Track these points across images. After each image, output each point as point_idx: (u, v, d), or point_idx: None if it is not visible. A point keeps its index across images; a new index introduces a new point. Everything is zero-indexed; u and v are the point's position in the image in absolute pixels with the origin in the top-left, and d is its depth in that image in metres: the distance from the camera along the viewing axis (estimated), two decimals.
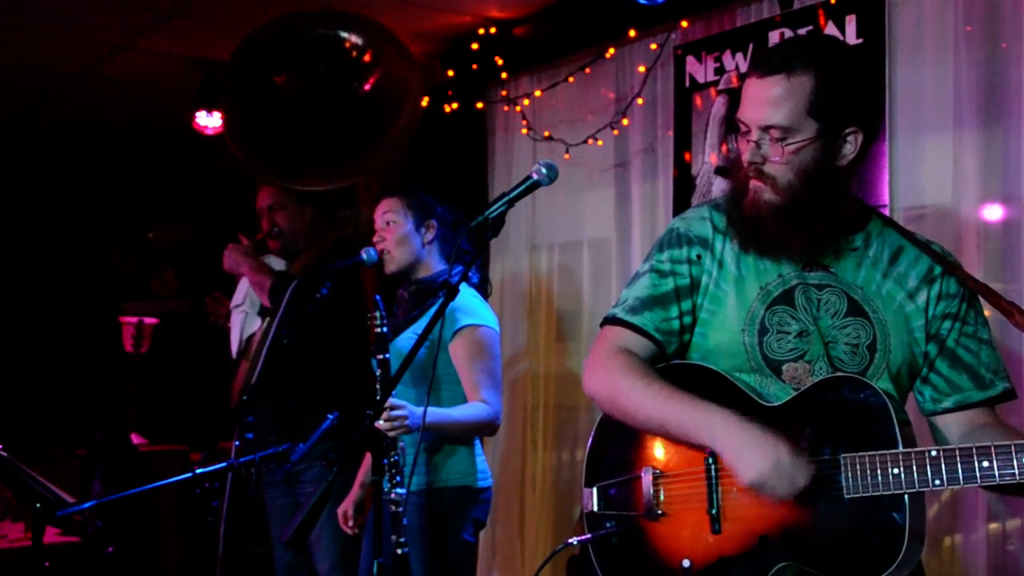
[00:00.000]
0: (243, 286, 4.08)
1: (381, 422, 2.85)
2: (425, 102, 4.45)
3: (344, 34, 4.09)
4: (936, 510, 3.24)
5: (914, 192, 3.37)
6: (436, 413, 3.02)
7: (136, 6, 4.62)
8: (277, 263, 4.08)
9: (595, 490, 2.08)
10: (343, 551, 3.67)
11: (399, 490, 2.88)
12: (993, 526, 3.13)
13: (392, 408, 2.87)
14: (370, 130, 4.08)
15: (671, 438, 1.98)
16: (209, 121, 5.47)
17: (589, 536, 2.06)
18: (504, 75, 4.83)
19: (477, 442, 3.25)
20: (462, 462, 3.17)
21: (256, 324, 4.02)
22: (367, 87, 4.10)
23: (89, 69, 5.54)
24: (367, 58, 4.10)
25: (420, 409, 2.92)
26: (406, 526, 2.89)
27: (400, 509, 2.87)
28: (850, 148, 1.93)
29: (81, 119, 6.60)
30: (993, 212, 3.17)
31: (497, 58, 4.80)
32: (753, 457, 1.82)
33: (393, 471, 2.89)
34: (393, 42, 4.10)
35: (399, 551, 2.84)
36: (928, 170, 3.34)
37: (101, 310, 7.01)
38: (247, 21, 4.76)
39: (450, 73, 4.98)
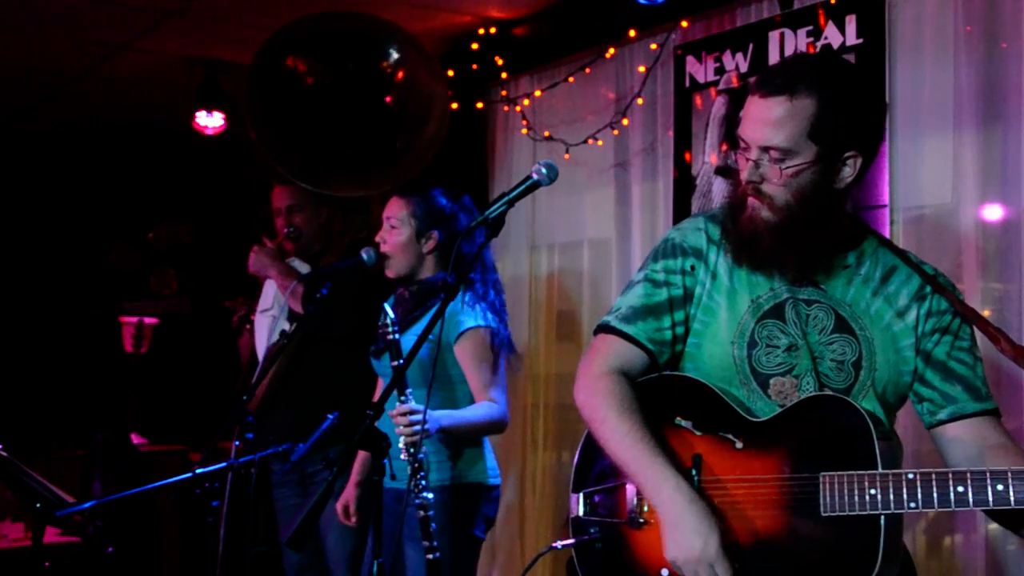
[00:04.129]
0: (269, 290, 4.00)
1: (402, 428, 2.89)
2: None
3: (372, 38, 4.01)
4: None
5: (914, 192, 3.37)
6: (451, 416, 3.06)
7: (136, 6, 4.62)
8: (301, 267, 4.00)
9: (581, 496, 2.10)
10: (356, 553, 3.67)
11: (426, 494, 2.91)
12: (993, 526, 3.13)
13: (411, 413, 2.90)
14: (397, 139, 4.00)
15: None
16: (209, 121, 5.47)
17: (573, 541, 2.09)
18: (504, 75, 4.83)
19: (486, 440, 3.28)
20: (476, 459, 3.21)
21: (285, 328, 3.93)
22: (390, 98, 4.05)
23: (89, 69, 5.55)
24: (393, 71, 4.04)
25: (436, 413, 2.99)
26: (403, 525, 2.91)
27: (431, 513, 2.89)
28: (849, 172, 1.94)
29: (81, 119, 6.61)
30: (993, 212, 3.17)
31: (497, 58, 4.80)
32: (683, 539, 1.85)
33: (419, 476, 2.91)
34: (419, 51, 4.05)
35: (430, 556, 2.87)
36: (928, 170, 3.34)
37: (101, 310, 7.01)
38: (247, 21, 4.77)
39: (450, 73, 4.97)
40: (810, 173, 1.91)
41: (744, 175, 1.96)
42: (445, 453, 3.15)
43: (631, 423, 1.97)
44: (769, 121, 1.90)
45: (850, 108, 1.91)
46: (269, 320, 3.97)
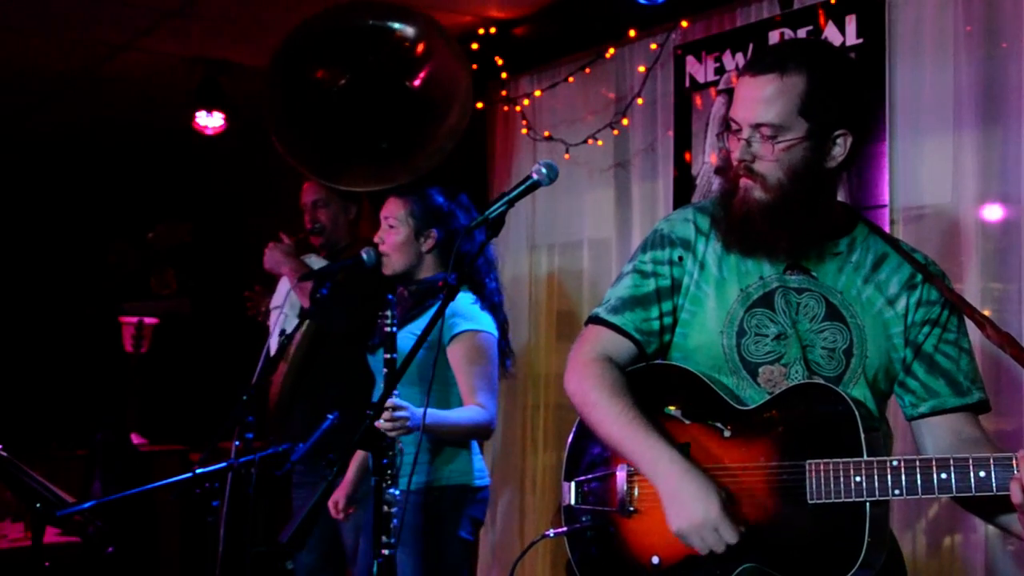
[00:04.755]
0: (283, 287, 4.00)
1: (383, 422, 2.84)
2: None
3: (395, 26, 3.98)
4: (936, 510, 3.24)
5: (913, 192, 3.37)
6: (435, 415, 3.03)
7: (136, 6, 4.63)
8: (318, 263, 4.00)
9: (572, 485, 2.12)
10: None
11: (392, 490, 2.88)
12: (993, 527, 3.13)
13: (395, 409, 2.87)
14: (418, 128, 3.98)
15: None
16: (209, 121, 5.47)
17: (565, 529, 2.10)
18: (504, 75, 4.83)
19: (474, 442, 3.26)
20: (460, 461, 3.19)
21: (287, 328, 3.97)
22: (417, 83, 4.02)
23: (89, 69, 5.55)
24: (417, 52, 3.99)
25: (419, 411, 2.92)
26: (401, 526, 2.88)
27: (395, 510, 2.87)
28: (839, 150, 1.96)
29: (81, 119, 6.61)
30: (992, 212, 3.17)
31: (497, 58, 4.80)
32: (684, 508, 1.87)
33: (388, 472, 2.88)
34: (445, 38, 4.02)
35: (386, 551, 2.83)
36: (927, 170, 3.34)
37: (101, 310, 7.02)
38: (248, 21, 4.78)
39: None
40: (801, 149, 1.93)
41: (736, 155, 1.97)
42: (426, 456, 3.13)
43: (622, 404, 1.99)
44: (760, 99, 1.93)
45: (839, 85, 1.94)
46: (281, 317, 3.97)
